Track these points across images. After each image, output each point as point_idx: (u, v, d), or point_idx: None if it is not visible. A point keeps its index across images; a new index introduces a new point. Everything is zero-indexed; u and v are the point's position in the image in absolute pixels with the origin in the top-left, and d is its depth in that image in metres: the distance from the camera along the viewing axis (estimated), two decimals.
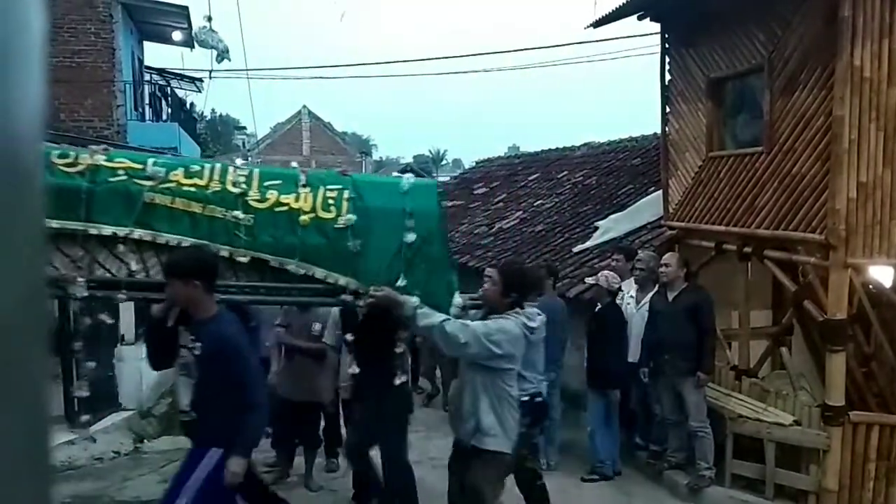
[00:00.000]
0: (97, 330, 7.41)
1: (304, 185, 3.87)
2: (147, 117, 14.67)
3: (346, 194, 3.90)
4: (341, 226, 3.83)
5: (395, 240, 3.90)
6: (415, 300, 3.69)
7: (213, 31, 13.36)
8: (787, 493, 5.50)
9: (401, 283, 3.85)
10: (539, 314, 4.08)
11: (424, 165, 53.44)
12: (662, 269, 5.92)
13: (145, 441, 7.24)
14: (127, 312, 7.97)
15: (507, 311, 3.76)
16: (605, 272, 6.29)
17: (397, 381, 4.30)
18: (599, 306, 6.19)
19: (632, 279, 6.49)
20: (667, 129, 7.58)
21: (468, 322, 3.69)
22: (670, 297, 5.84)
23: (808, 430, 5.44)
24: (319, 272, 3.79)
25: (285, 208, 3.78)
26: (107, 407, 7.38)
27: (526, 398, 4.46)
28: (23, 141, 0.39)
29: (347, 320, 4.63)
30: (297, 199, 3.82)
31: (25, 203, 0.39)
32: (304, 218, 3.79)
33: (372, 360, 4.36)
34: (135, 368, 7.89)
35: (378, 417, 4.53)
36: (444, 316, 3.65)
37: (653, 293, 6.19)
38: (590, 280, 6.39)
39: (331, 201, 3.86)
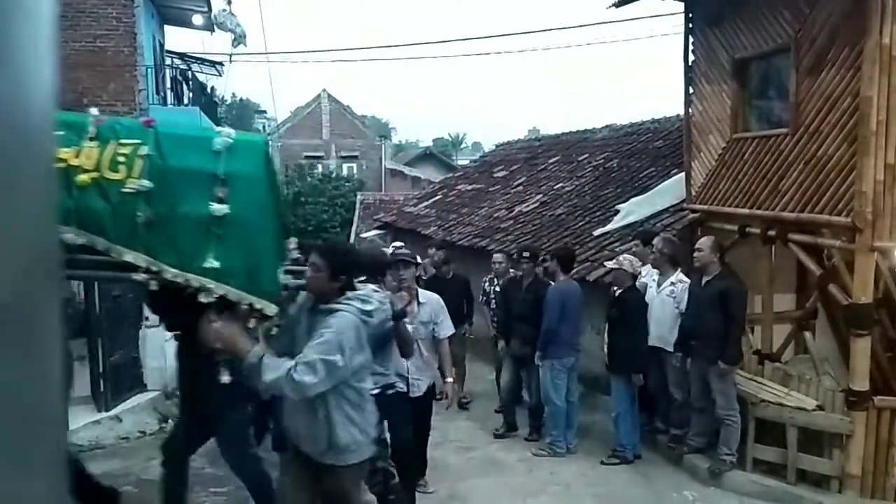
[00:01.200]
0: (121, 312, 7.55)
1: (91, 138, 3.21)
2: (169, 102, 14.75)
3: (141, 151, 3.20)
4: (130, 190, 3.15)
5: (201, 211, 3.20)
6: (258, 350, 3.04)
7: (232, 14, 13.39)
8: (809, 477, 5.47)
9: (210, 263, 3.18)
10: (377, 290, 3.53)
11: (444, 149, 53.35)
12: (696, 253, 5.83)
13: (170, 421, 7.36)
14: None
15: (338, 298, 3.22)
16: (627, 255, 6.26)
17: (224, 380, 3.49)
18: (620, 290, 6.14)
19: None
20: (690, 110, 7.49)
21: (309, 357, 3.03)
22: (703, 281, 5.77)
23: (832, 415, 5.39)
24: (101, 243, 3.14)
25: (61, 165, 3.09)
26: (132, 388, 7.51)
27: (377, 391, 4.05)
28: (35, 121, 0.39)
29: (150, 303, 3.93)
30: (77, 155, 3.15)
31: (38, 183, 0.40)
32: (83, 177, 3.13)
33: (192, 352, 3.62)
34: (159, 349, 8.01)
35: (204, 420, 4.06)
36: (289, 364, 3.00)
37: (673, 276, 6.15)
38: (610, 264, 6.32)
39: (121, 159, 3.18)
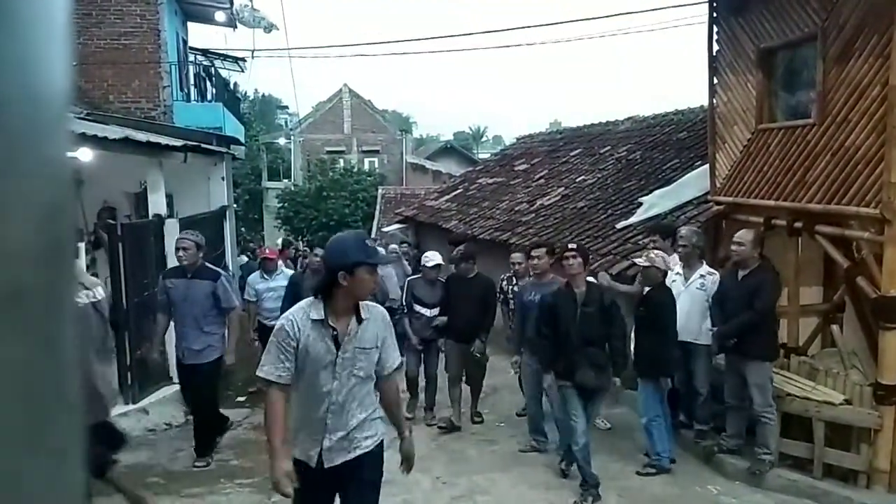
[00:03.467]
0: (148, 306, 7.65)
1: None
2: (192, 98, 14.89)
3: None
4: None
5: None
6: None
7: (254, 9, 13.48)
8: (836, 472, 5.40)
9: None
10: None
11: (465, 142, 53.28)
12: (734, 247, 5.66)
13: None
14: None
15: None
16: (656, 251, 5.89)
17: None
18: (649, 289, 5.78)
19: (675, 256, 6.36)
20: (714, 101, 7.40)
21: None
22: (740, 276, 5.61)
23: (860, 410, 5.31)
24: None
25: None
26: (158, 381, 7.62)
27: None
28: (49, 102, 0.39)
29: None
30: None
31: (52, 167, 0.40)
32: None
33: None
34: None
35: None
36: None
37: (701, 269, 6.05)
38: (641, 261, 5.89)
39: None
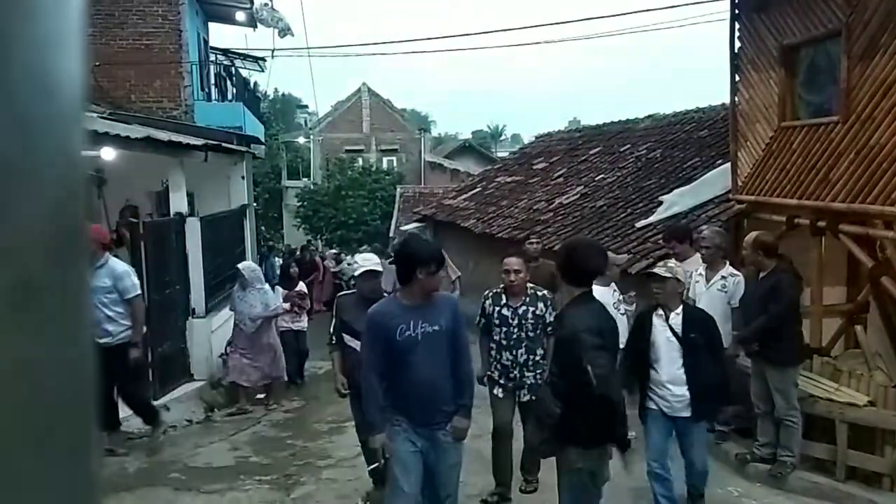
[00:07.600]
0: (169, 303, 7.72)
1: None
2: (213, 97, 15.01)
3: None
4: None
5: None
6: None
7: (273, 9, 13.57)
8: (859, 475, 5.32)
9: None
10: None
11: (483, 141, 53.23)
12: (743, 252, 5.61)
13: (216, 410, 7.53)
14: (197, 287, 8.28)
15: None
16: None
17: None
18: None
19: (697, 256, 6.26)
20: (736, 98, 7.33)
21: None
22: (759, 278, 5.49)
23: (884, 411, 5.23)
24: None
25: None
26: (179, 377, 7.69)
27: None
28: (63, 92, 0.39)
29: None
30: None
31: (65, 159, 0.40)
32: None
33: None
34: (205, 341, 8.20)
35: None
36: None
37: (723, 270, 5.96)
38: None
39: None
